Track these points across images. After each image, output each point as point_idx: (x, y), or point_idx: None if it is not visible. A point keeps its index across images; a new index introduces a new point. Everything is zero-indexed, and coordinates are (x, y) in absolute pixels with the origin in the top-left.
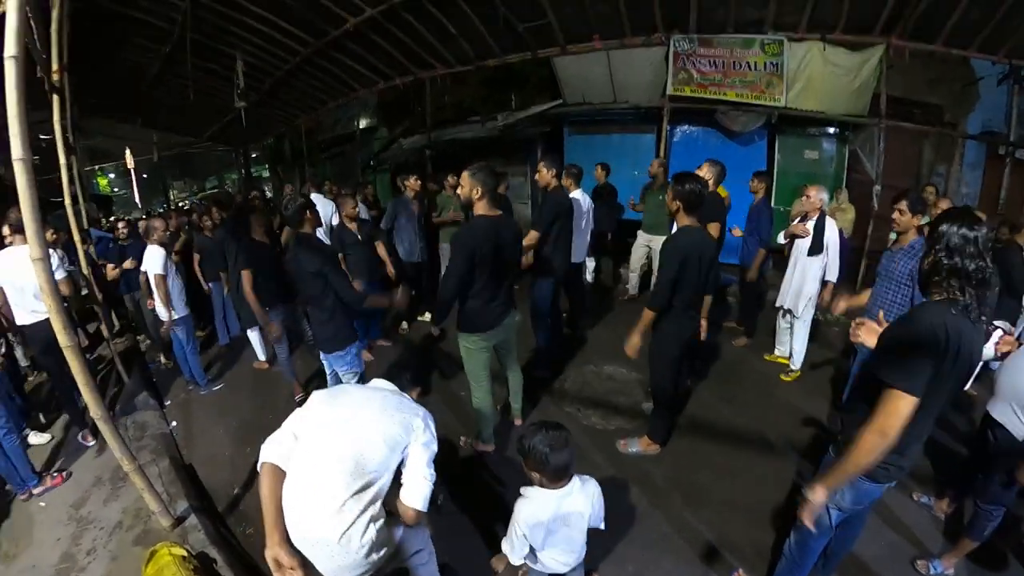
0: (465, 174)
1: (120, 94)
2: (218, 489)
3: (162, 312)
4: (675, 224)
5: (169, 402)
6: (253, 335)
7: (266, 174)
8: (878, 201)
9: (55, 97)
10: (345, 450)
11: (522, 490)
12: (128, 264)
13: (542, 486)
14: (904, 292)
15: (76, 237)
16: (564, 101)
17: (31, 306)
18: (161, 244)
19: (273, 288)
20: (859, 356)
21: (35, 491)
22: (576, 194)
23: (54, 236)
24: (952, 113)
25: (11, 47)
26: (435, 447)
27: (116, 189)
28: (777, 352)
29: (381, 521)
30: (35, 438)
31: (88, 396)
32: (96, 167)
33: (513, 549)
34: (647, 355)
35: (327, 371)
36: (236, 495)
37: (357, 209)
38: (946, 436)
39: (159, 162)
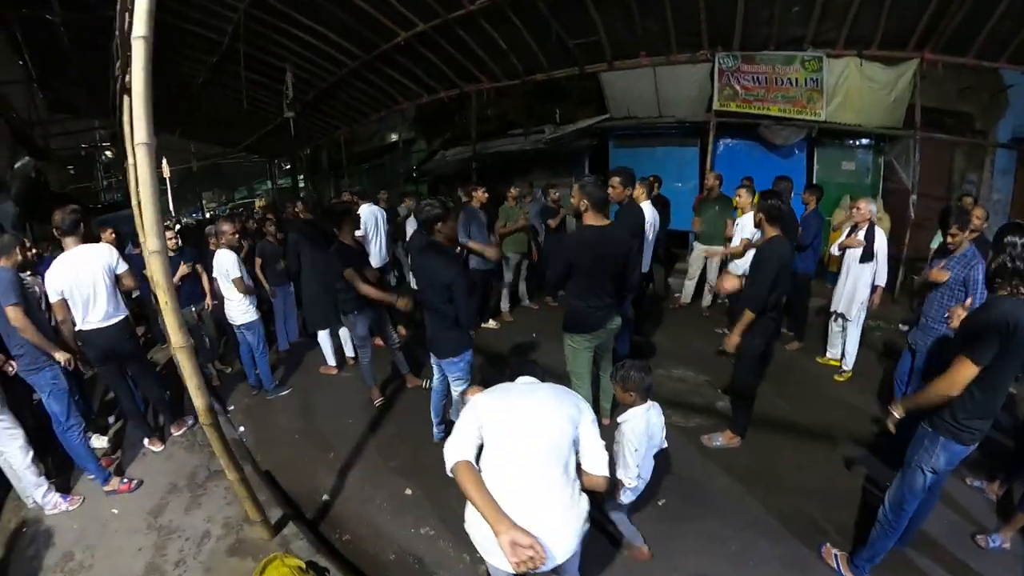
0: (575, 186)
1: (164, 104)
2: (302, 496)
3: (238, 315)
4: (762, 234)
5: (232, 407)
6: (324, 338)
7: (299, 185)
8: (915, 210)
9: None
10: (546, 435)
11: (620, 418)
12: (184, 269)
13: (634, 406)
14: (958, 295)
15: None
16: (610, 115)
17: (87, 313)
18: (230, 247)
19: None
20: (916, 356)
21: (105, 489)
22: (646, 205)
23: (112, 235)
24: (983, 121)
25: (141, 27)
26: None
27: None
28: (828, 355)
29: (585, 496)
30: (96, 441)
31: (200, 401)
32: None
33: (628, 469)
34: (712, 358)
35: (435, 375)
36: (325, 502)
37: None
38: (994, 432)
39: (194, 172)
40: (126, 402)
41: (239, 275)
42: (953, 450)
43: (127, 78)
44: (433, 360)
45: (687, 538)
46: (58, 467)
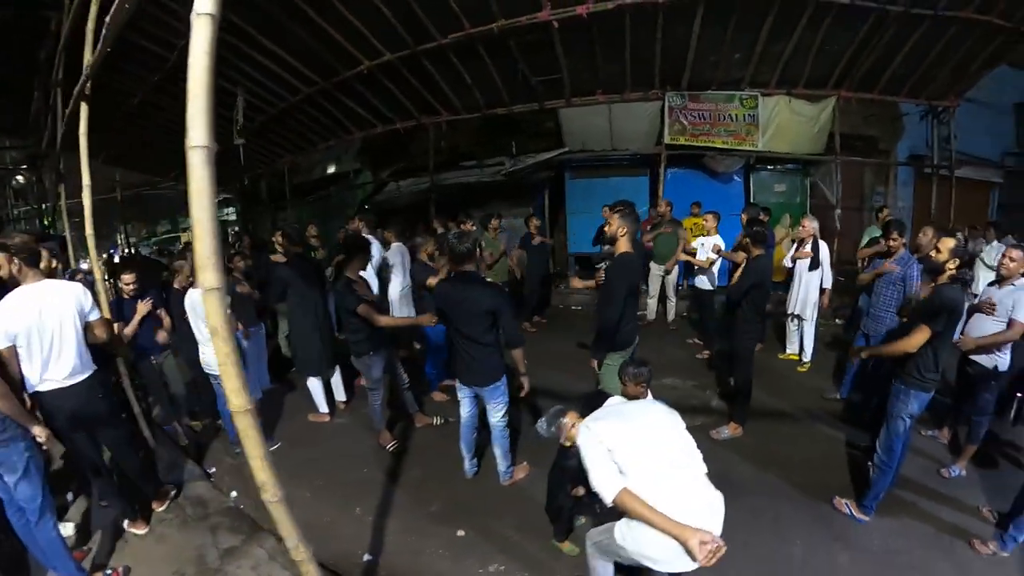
0: (615, 215)
1: (91, 125)
2: (340, 561)
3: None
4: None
5: (214, 469)
6: (315, 384)
7: (235, 217)
8: (840, 222)
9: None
10: (679, 442)
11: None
12: (143, 308)
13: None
14: (898, 288)
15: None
16: (568, 148)
17: (46, 368)
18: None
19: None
20: (869, 340)
21: None
22: None
23: (52, 262)
24: (885, 143)
25: (207, 1)
26: None
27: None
28: (788, 351)
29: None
30: (62, 529)
31: (266, 475)
32: (42, 205)
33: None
34: (703, 364)
35: (466, 409)
36: (368, 563)
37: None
38: (936, 395)
39: (120, 202)
40: (101, 480)
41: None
42: (921, 398)
43: (86, 85)
44: (464, 394)
45: (729, 513)
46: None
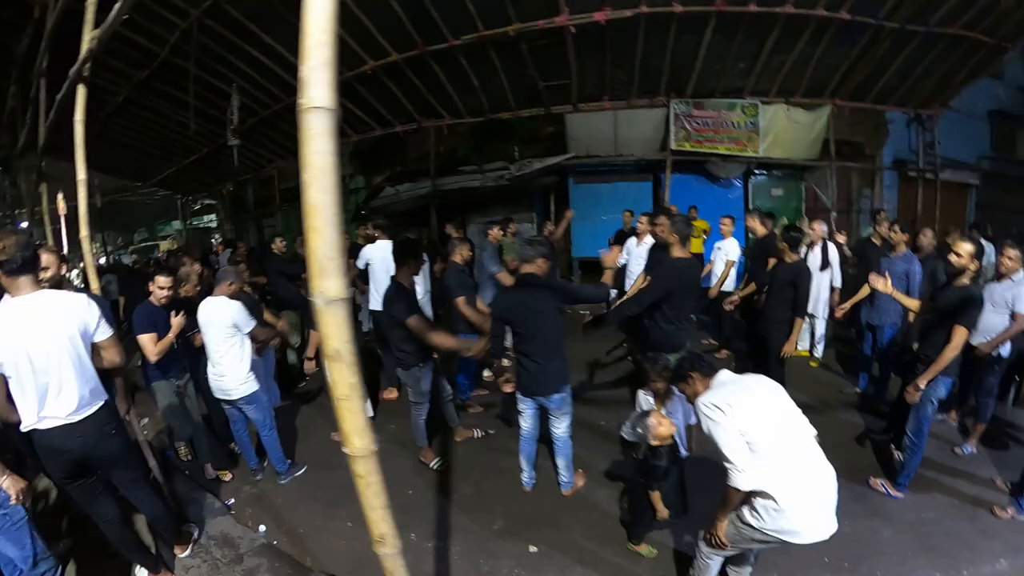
0: (667, 221)
1: (67, 125)
2: None
3: (235, 385)
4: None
5: (232, 501)
6: None
7: (219, 225)
8: (836, 224)
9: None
10: (796, 416)
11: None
12: (179, 322)
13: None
14: (902, 284)
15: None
16: (573, 154)
17: (44, 403)
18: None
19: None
20: (876, 332)
21: None
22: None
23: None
24: (870, 148)
25: None
26: None
27: (36, 239)
28: (799, 348)
29: None
30: None
31: (387, 526)
32: (15, 211)
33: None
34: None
35: (528, 422)
36: None
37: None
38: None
39: (99, 209)
40: (114, 529)
41: (249, 326)
42: (946, 382)
43: (85, 66)
44: (528, 406)
45: None
46: None
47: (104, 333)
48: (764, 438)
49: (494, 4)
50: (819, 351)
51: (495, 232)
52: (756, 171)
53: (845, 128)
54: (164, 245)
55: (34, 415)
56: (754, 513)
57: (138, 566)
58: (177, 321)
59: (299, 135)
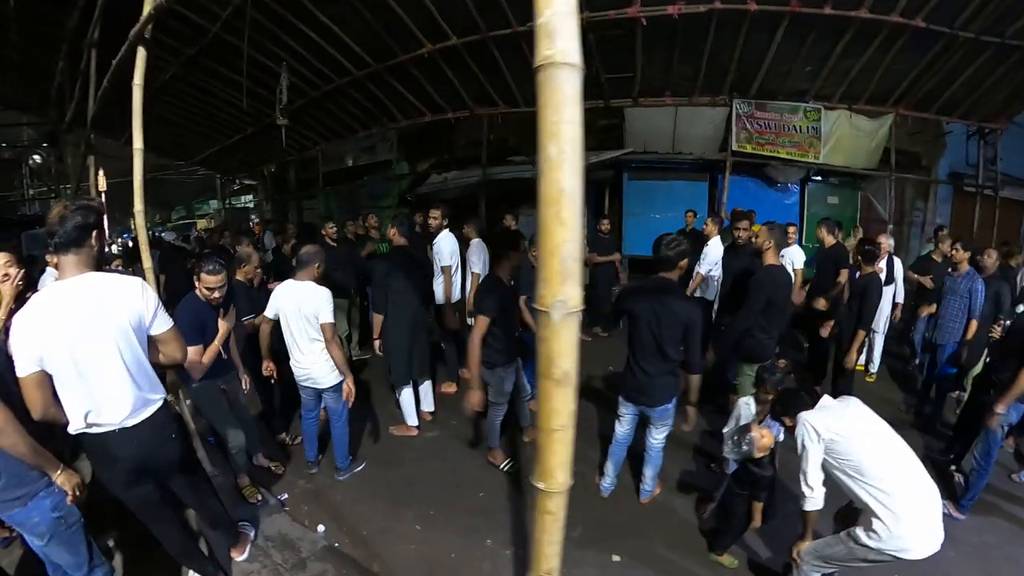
0: (764, 228)
1: (116, 100)
2: None
3: (325, 372)
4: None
5: (285, 495)
6: (407, 396)
7: (260, 205)
8: (892, 237)
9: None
10: (895, 434)
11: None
12: (225, 328)
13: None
14: (965, 302)
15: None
16: (632, 149)
17: (95, 404)
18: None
19: (514, 338)
20: (938, 350)
21: None
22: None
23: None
24: (927, 159)
25: None
26: None
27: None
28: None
29: None
30: None
31: (555, 564)
32: (62, 186)
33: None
34: None
35: (625, 426)
36: None
37: None
38: None
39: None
40: (173, 538)
41: (330, 319)
42: (1019, 408)
43: (147, 27)
44: (628, 411)
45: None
46: None
47: (162, 325)
48: (871, 462)
49: None
50: (875, 366)
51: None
52: (815, 178)
53: (904, 138)
54: (201, 224)
55: (81, 419)
56: (871, 534)
57: (192, 573)
58: (224, 327)
59: (538, 99)
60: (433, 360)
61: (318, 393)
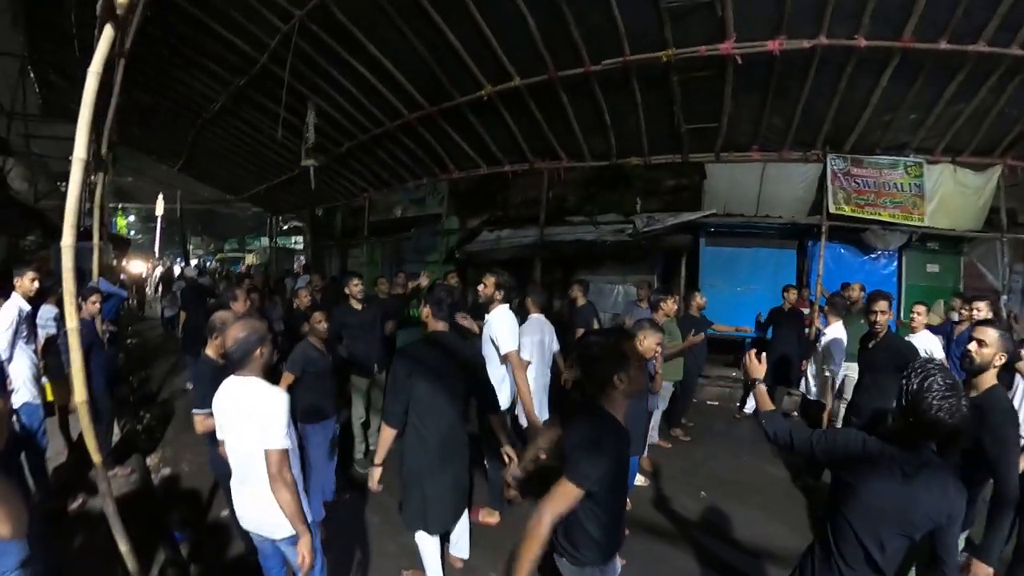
0: (883, 301)
1: (167, 128)
2: None
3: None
4: None
5: None
6: (428, 542)
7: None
8: (1006, 310)
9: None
10: None
11: None
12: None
13: None
14: None
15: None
16: (714, 210)
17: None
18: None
19: None
20: None
21: None
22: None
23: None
24: None
25: None
26: None
27: (134, 232)
28: None
29: None
30: None
31: None
32: (119, 206)
33: None
34: None
35: None
36: None
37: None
38: None
39: (181, 215)
40: None
41: (279, 444)
42: None
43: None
44: None
45: None
46: None
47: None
48: None
49: (648, 24)
50: None
51: (669, 304)
52: (915, 243)
53: (1014, 192)
54: (249, 259)
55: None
56: None
57: None
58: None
59: None
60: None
61: (274, 545)
